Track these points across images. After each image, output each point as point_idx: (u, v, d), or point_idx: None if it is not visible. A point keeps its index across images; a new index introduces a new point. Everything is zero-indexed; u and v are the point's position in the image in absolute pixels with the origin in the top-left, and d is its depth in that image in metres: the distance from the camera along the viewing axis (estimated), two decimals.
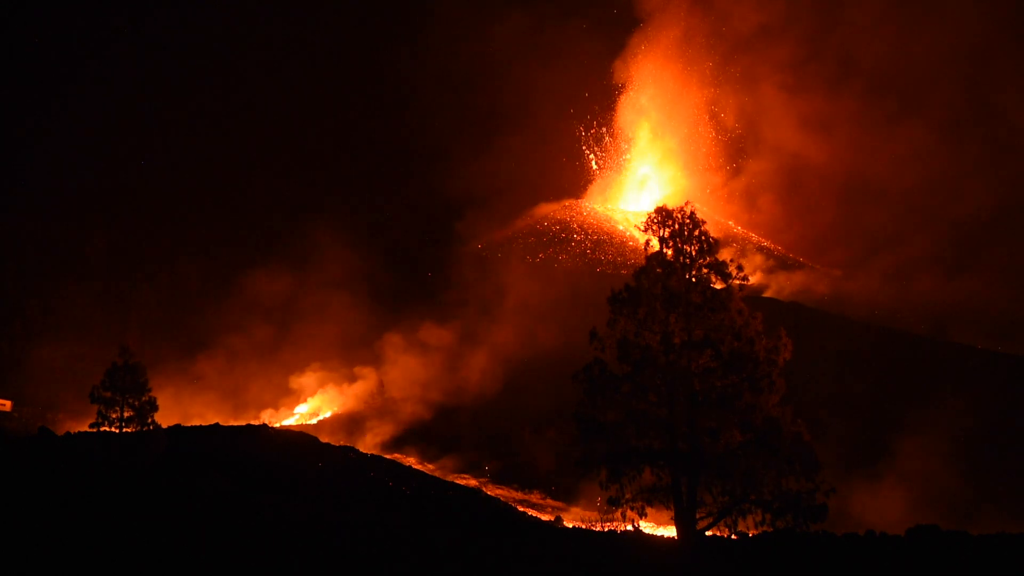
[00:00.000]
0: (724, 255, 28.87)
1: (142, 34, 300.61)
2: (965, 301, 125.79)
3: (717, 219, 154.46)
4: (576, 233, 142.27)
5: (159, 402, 46.97)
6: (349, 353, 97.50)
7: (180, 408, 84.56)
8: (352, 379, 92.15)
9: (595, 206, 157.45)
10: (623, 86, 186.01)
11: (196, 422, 74.79)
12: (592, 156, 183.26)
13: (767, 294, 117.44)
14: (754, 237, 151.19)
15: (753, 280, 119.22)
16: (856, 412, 71.25)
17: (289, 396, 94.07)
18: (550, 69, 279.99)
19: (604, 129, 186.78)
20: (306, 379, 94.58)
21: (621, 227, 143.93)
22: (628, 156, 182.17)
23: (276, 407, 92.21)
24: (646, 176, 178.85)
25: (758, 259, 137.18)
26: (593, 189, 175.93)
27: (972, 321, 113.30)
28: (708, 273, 28.54)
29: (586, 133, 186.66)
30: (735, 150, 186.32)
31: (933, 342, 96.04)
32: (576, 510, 58.58)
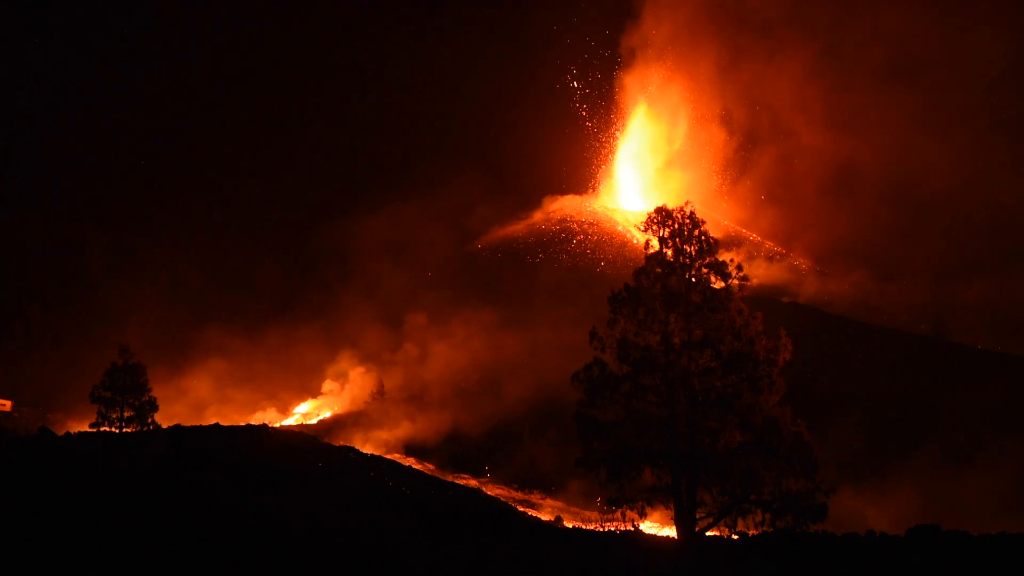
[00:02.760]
0: (739, 258, 28.92)
1: (153, 30, 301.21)
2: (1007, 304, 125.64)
3: (730, 223, 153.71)
4: (577, 234, 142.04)
5: (176, 394, 47.10)
6: (356, 351, 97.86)
7: (199, 400, 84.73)
8: (365, 374, 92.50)
9: (595, 206, 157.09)
10: (624, 62, 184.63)
11: (224, 409, 75.02)
12: (585, 112, 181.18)
13: (787, 298, 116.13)
14: (795, 251, 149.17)
15: (781, 283, 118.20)
16: (892, 413, 71.42)
17: (308, 390, 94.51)
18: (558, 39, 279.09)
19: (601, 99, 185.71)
20: (328, 371, 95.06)
21: (621, 227, 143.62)
22: (625, 141, 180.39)
23: (295, 400, 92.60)
24: (657, 169, 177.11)
25: (800, 262, 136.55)
26: (599, 177, 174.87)
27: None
28: (708, 273, 28.54)
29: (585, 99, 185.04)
30: (746, 147, 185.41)
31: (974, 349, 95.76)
32: (576, 510, 58.53)
